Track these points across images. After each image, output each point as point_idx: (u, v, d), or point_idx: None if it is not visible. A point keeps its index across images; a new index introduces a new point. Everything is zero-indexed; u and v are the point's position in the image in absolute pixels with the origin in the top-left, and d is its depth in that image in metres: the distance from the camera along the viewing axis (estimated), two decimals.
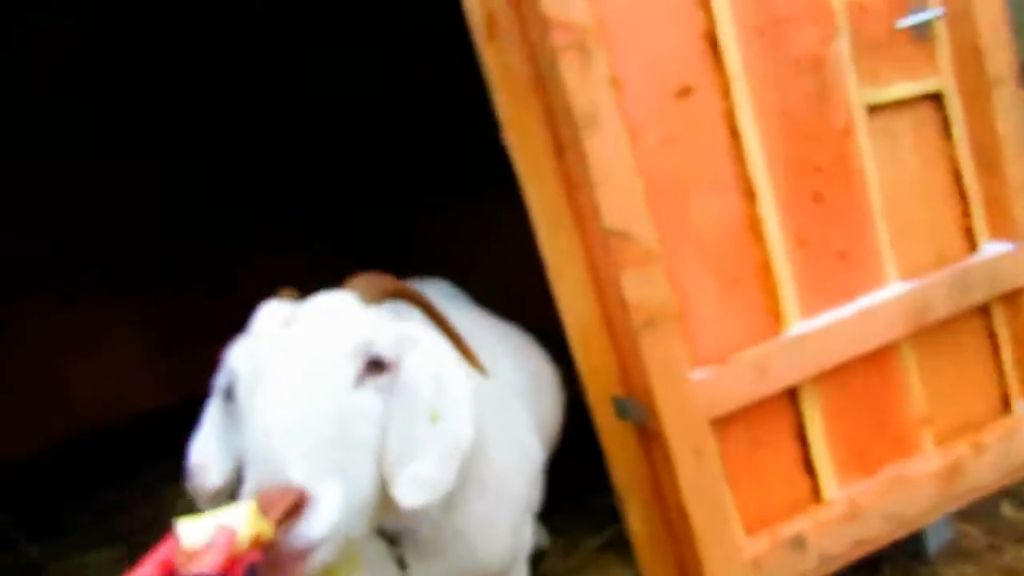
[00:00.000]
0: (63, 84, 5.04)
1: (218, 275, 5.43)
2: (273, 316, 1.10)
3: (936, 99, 2.04)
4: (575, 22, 1.65)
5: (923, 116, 2.03)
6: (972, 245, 2.09)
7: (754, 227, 1.85)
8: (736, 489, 1.91)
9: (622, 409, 1.95)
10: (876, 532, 1.96)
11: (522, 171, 1.90)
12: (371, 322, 1.10)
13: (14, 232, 5.15)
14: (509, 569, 1.74)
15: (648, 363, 1.75)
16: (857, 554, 1.97)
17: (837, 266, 1.92)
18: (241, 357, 1.09)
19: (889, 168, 1.98)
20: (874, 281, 1.95)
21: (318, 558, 0.92)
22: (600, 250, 1.81)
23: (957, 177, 2.07)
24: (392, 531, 1.33)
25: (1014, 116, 2.03)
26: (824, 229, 1.90)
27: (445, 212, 5.13)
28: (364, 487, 1.05)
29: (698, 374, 1.80)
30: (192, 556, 0.80)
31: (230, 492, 1.14)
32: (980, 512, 2.33)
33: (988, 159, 2.06)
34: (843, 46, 1.90)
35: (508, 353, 1.98)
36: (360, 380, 1.07)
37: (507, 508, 1.56)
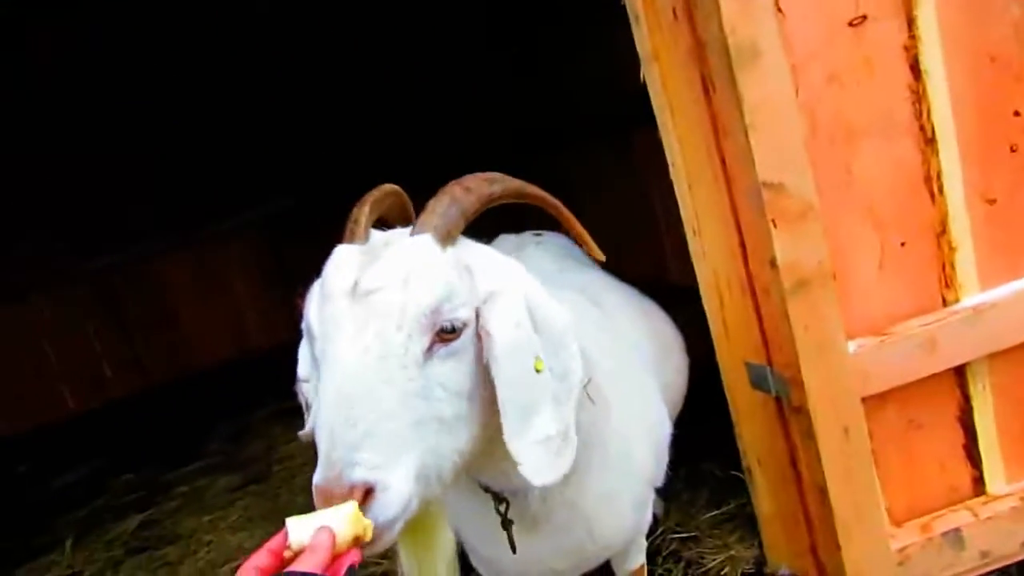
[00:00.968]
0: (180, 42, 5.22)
1: (328, 218, 5.55)
2: (343, 273, 1.01)
3: None
4: None
5: None
6: None
7: (932, 180, 1.60)
8: (886, 474, 1.71)
9: (759, 377, 1.78)
10: None
11: (662, 112, 1.73)
12: (442, 281, 0.99)
13: (132, 178, 5.44)
14: (628, 545, 1.64)
15: (796, 330, 1.57)
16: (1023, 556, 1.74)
17: None
18: (314, 316, 1.04)
19: None
20: None
21: (391, 536, 0.93)
22: (748, 203, 1.62)
23: None
24: (498, 492, 1.25)
25: None
26: (1017, 186, 1.63)
27: (555, 161, 4.99)
28: (443, 459, 1.00)
29: (853, 346, 1.60)
30: (297, 553, 0.87)
31: None
32: None
33: None
34: None
35: (632, 316, 1.84)
36: (430, 352, 0.99)
37: (631, 482, 1.44)
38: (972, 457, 1.75)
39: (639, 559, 1.75)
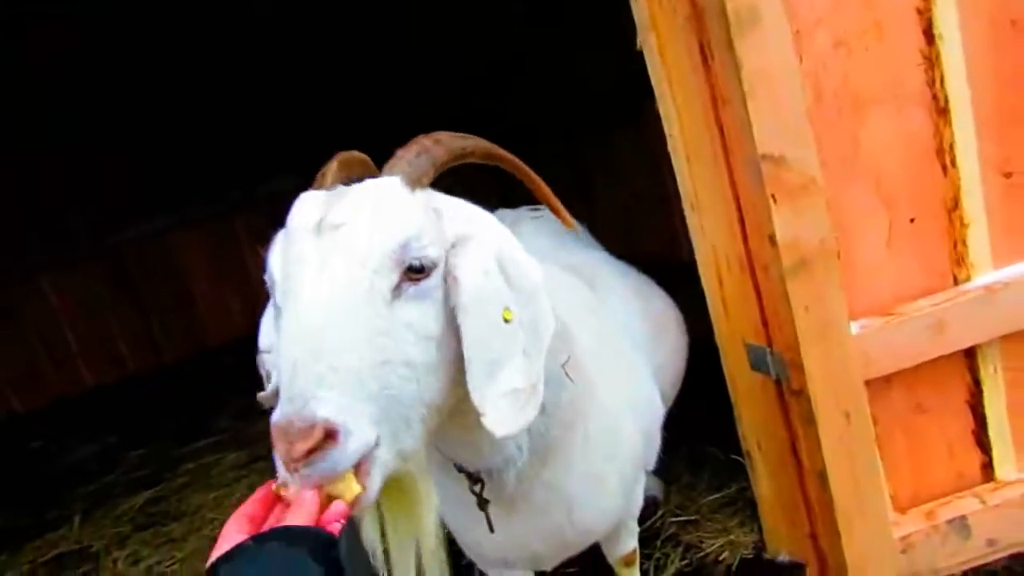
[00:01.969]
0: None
1: None
2: (307, 212, 0.97)
3: None
4: None
5: None
6: None
7: (944, 152, 1.52)
8: (889, 460, 1.65)
9: (758, 359, 1.71)
10: None
11: (659, 83, 1.65)
12: (411, 218, 0.95)
13: (144, 158, 5.44)
14: (616, 529, 1.59)
15: (796, 311, 1.50)
16: None
17: None
18: (275, 262, 0.99)
19: None
20: None
21: (372, 492, 0.89)
22: (747, 176, 1.54)
23: None
24: (472, 473, 1.21)
25: None
26: None
27: (562, 140, 4.91)
28: (410, 409, 0.95)
29: (857, 327, 1.53)
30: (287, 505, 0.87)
31: None
32: None
33: None
34: None
35: (625, 295, 1.78)
36: (398, 291, 0.94)
37: (617, 464, 1.39)
38: (981, 443, 1.68)
39: (631, 543, 1.71)
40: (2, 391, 5.40)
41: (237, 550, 0.80)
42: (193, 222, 5.83)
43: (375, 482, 0.89)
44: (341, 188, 1.02)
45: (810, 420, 1.57)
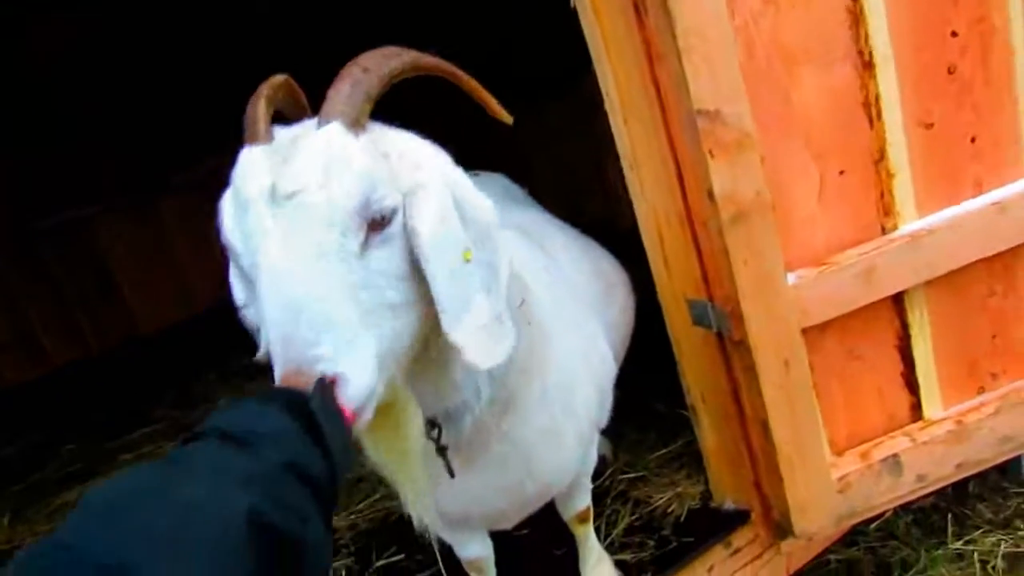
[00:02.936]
0: None
1: None
2: (255, 177, 0.94)
3: None
4: None
5: None
6: None
7: (870, 106, 1.57)
8: (827, 405, 1.72)
9: (700, 314, 1.75)
10: (984, 455, 1.75)
11: (593, 40, 1.65)
12: (364, 172, 0.94)
13: (68, 145, 5.14)
14: (571, 487, 1.61)
15: (735, 263, 1.54)
16: (958, 476, 1.78)
17: (965, 153, 1.63)
18: (232, 229, 0.98)
19: None
20: (1009, 172, 1.65)
21: (364, 419, 0.91)
22: (684, 133, 1.56)
23: None
24: (430, 418, 1.20)
25: None
26: (954, 109, 1.60)
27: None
28: (400, 342, 0.99)
29: (793, 277, 1.58)
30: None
31: None
32: None
33: None
34: None
35: (574, 255, 1.79)
36: (365, 244, 0.96)
37: (574, 421, 1.40)
38: (910, 384, 1.77)
39: (585, 500, 1.73)
40: None
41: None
42: (117, 208, 5.55)
43: (367, 412, 0.92)
44: (281, 142, 0.99)
45: (751, 369, 1.61)
